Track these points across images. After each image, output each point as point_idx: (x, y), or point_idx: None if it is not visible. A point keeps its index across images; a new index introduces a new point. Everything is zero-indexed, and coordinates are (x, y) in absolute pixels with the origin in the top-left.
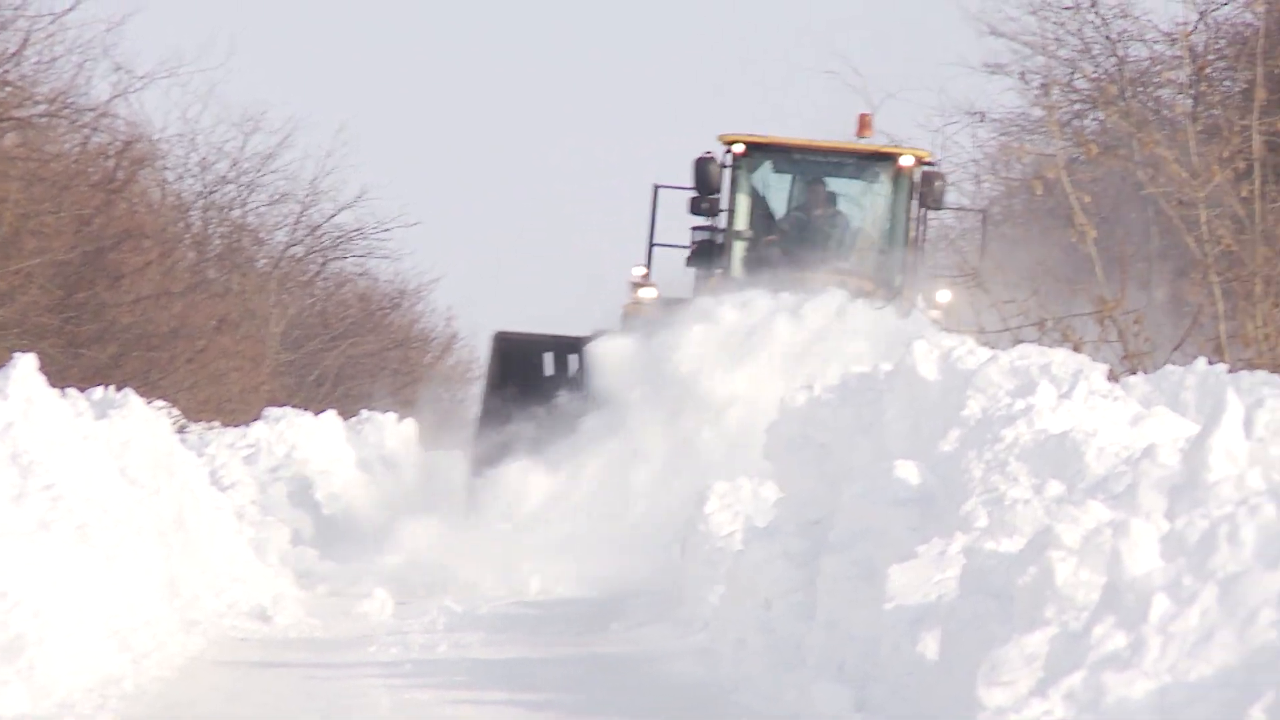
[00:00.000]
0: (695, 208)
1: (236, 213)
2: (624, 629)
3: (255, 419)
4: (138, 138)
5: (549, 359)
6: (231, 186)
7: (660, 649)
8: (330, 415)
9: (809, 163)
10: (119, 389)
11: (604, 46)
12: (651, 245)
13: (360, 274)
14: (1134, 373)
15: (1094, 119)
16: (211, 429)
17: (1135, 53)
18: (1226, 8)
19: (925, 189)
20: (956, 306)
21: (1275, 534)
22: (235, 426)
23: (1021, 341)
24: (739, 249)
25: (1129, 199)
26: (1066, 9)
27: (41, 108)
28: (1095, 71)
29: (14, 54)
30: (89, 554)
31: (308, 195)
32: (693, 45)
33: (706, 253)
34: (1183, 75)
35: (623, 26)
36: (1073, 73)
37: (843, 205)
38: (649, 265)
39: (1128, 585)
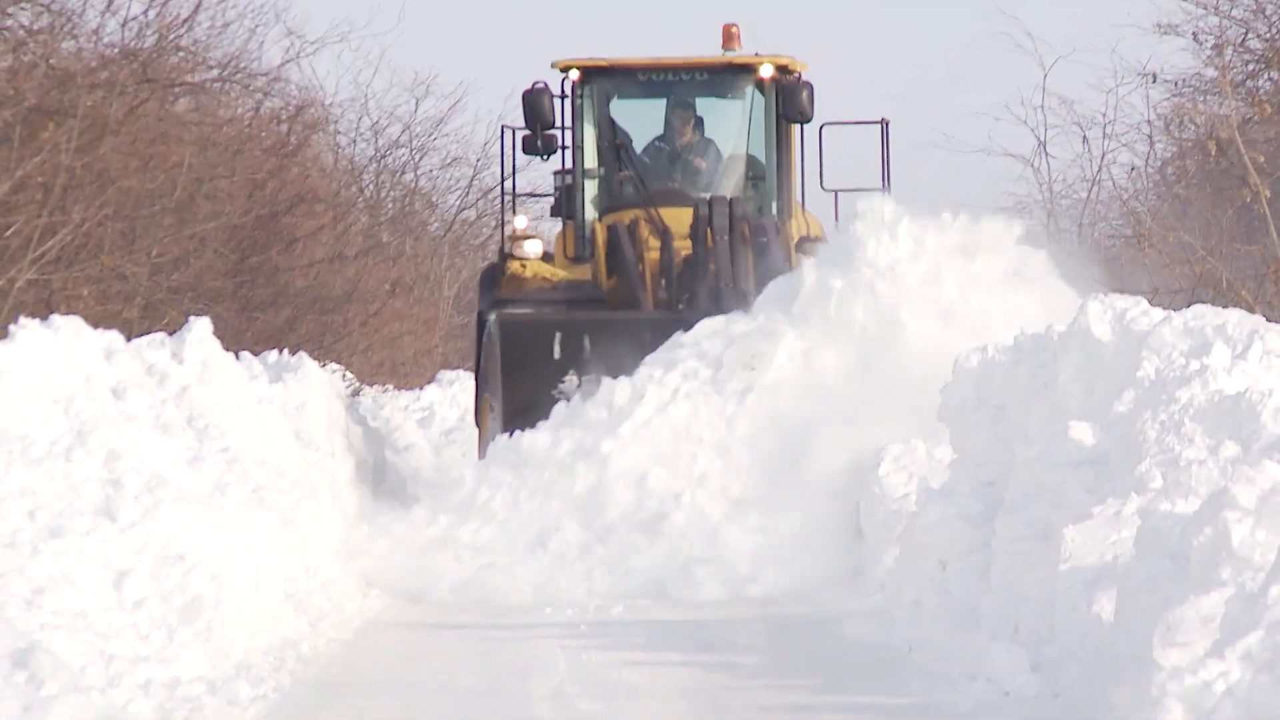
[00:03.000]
0: (528, 146)
1: (409, 177)
2: (800, 590)
3: (429, 382)
4: (310, 102)
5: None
6: (403, 150)
7: (837, 610)
8: None
9: (656, 84)
10: (293, 352)
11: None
12: (511, 196)
13: None
14: None
15: (1268, 79)
16: (385, 392)
17: None
18: None
19: (787, 101)
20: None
21: None
22: (409, 390)
23: (1195, 302)
24: (590, 189)
25: None
26: None
27: (214, 73)
28: (1269, 31)
29: (186, 19)
30: (265, 517)
31: (479, 159)
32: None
33: (570, 199)
34: None
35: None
36: (1246, 33)
37: (700, 128)
38: (511, 217)
39: None
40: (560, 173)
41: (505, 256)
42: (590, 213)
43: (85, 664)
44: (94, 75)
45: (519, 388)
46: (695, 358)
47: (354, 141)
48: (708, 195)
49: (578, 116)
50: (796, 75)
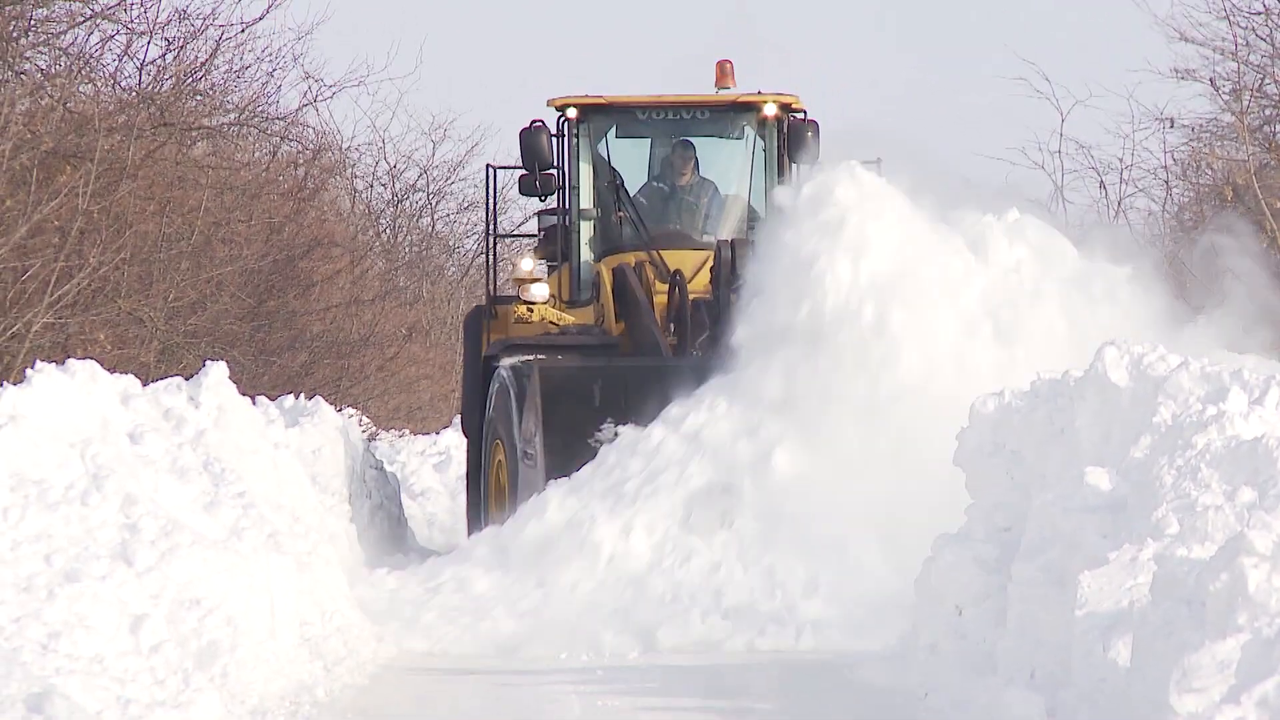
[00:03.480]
0: (525, 187)
1: (425, 220)
2: (815, 635)
3: (445, 427)
4: (327, 146)
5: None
6: (421, 194)
7: (852, 655)
8: None
9: (656, 122)
10: (309, 397)
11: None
12: (492, 236)
13: None
14: None
15: None
16: (402, 437)
17: None
18: None
19: (794, 142)
20: None
21: None
22: (425, 434)
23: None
24: (586, 230)
25: None
26: (1257, 14)
27: (231, 117)
28: None
29: (204, 63)
30: (281, 561)
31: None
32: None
33: (556, 240)
34: None
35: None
36: (1263, 78)
37: (699, 168)
38: (493, 259)
39: None
40: (543, 213)
41: (493, 299)
42: (586, 254)
43: (101, 709)
44: (111, 119)
45: (558, 436)
46: (658, 480)
47: (371, 185)
48: (716, 237)
49: (574, 156)
50: (801, 114)
